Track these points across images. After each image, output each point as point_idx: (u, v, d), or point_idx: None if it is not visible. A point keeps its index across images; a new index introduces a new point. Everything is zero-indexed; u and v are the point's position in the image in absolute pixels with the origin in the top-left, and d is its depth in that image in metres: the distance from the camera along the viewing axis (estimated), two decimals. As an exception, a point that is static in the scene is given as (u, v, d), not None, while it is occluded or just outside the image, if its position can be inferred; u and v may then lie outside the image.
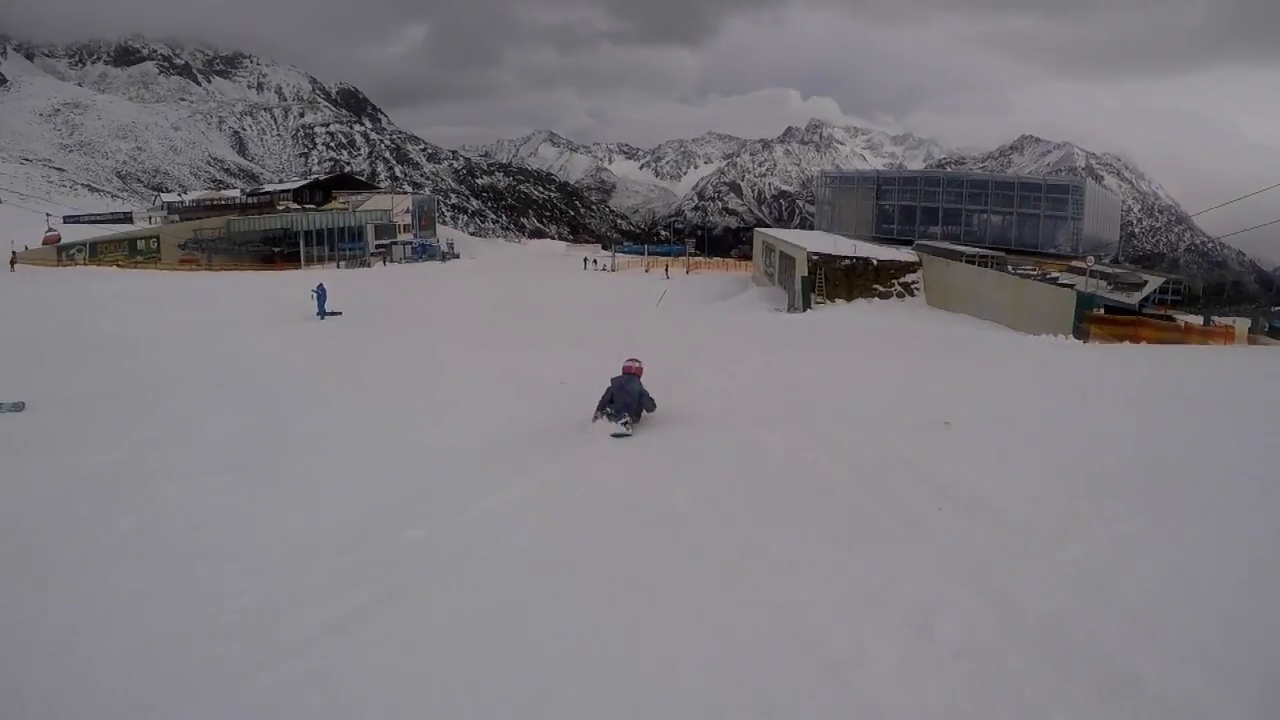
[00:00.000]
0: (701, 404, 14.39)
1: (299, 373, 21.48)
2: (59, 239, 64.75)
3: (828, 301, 39.14)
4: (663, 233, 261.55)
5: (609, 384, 12.56)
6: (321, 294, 35.90)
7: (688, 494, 9.02)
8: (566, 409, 13.99)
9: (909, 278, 40.35)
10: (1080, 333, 27.44)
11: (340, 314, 35.83)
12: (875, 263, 40.49)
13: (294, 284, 43.47)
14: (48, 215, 80.00)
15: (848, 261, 40.35)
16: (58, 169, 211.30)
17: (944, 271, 39.65)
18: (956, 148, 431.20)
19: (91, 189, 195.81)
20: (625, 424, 11.97)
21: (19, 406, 15.94)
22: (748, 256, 73.14)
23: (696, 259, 79.75)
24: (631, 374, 12.63)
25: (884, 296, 39.75)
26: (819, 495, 8.68)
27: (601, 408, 12.34)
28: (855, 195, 59.68)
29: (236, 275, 61.14)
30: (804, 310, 38.68)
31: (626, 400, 12.26)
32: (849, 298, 39.54)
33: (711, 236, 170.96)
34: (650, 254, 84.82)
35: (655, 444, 11.53)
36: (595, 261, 77.91)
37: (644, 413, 12.50)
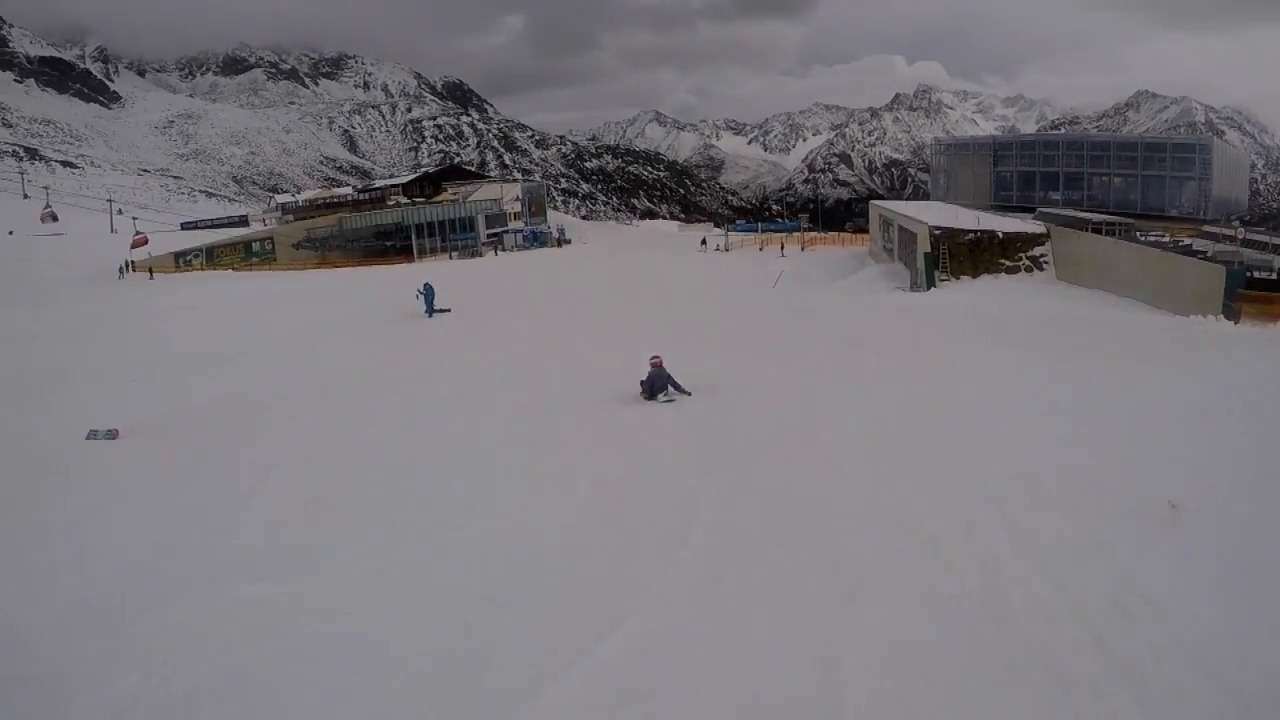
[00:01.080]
0: (842, 453, 12.36)
1: (392, 390, 20.75)
2: (146, 241, 65.69)
3: (952, 279, 37.09)
4: (774, 207, 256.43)
5: (649, 376, 17.13)
6: (428, 293, 35.21)
7: (856, 677, 6.37)
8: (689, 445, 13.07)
9: (1036, 250, 37.88)
10: (1231, 312, 25.14)
11: (449, 310, 35.06)
12: (1001, 235, 38.01)
13: (404, 279, 43.01)
14: (134, 219, 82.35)
15: (971, 235, 37.96)
16: (175, 177, 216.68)
17: (1075, 243, 36.91)
18: (1070, 107, 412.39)
19: (209, 194, 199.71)
20: (668, 399, 16.91)
21: (113, 434, 16.53)
22: (863, 230, 70.74)
23: (811, 234, 77.59)
24: (656, 367, 17.17)
25: (1011, 271, 37.37)
26: (1063, 693, 5.87)
27: (649, 393, 17.05)
28: (971, 162, 56.93)
29: (349, 271, 61.38)
30: (927, 289, 36.51)
31: (661, 383, 17.04)
32: (974, 274, 37.19)
33: (824, 209, 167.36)
34: (764, 231, 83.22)
35: (805, 546, 9.08)
36: (708, 242, 76.53)
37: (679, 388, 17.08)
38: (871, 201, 63.19)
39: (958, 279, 36.95)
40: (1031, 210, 46.60)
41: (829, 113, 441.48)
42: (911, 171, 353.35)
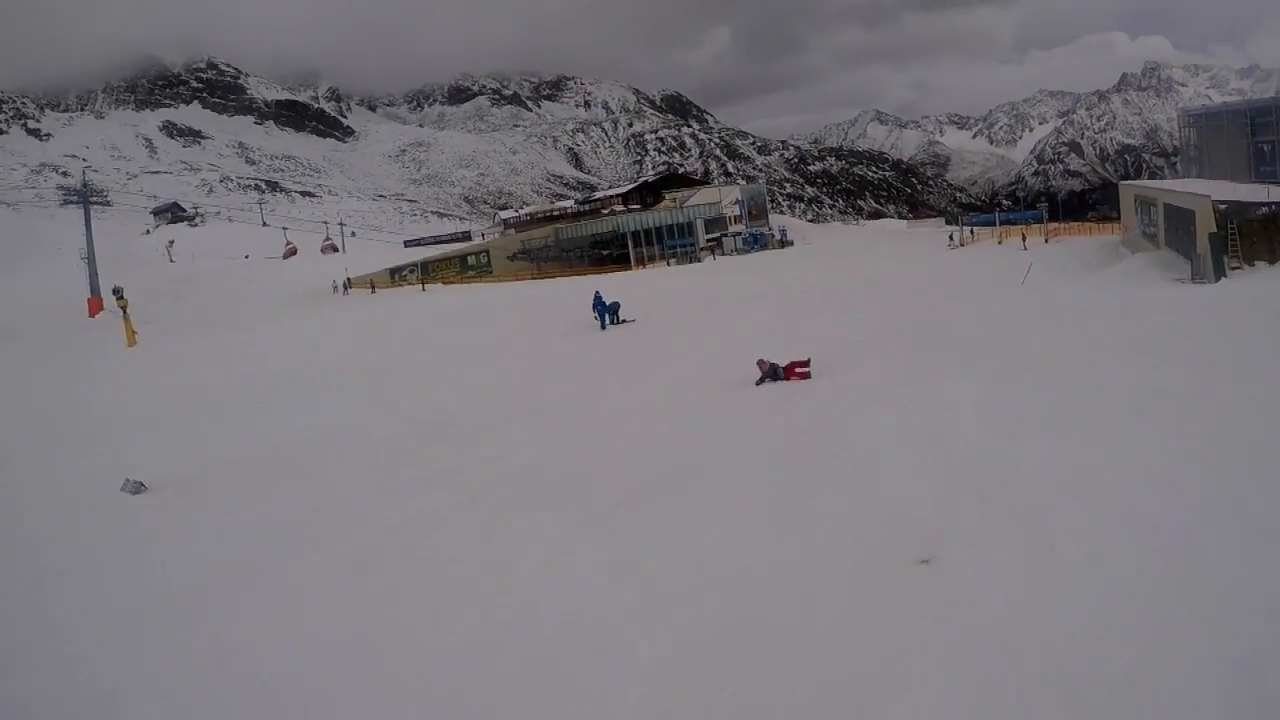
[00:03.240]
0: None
1: (502, 440, 16.10)
2: (295, 251, 73.23)
3: (1245, 265, 29.74)
4: (1004, 202, 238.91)
5: (766, 364, 17.87)
6: (600, 304, 31.59)
7: None
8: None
9: (1346, 237, 29.91)
10: None
11: (633, 321, 31.58)
12: (1303, 213, 30.38)
13: (614, 287, 39.64)
14: (285, 229, 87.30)
15: (1265, 209, 30.49)
16: (409, 201, 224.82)
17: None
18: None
19: (440, 215, 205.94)
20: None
21: (139, 488, 14.22)
22: (1108, 218, 62.46)
23: (1053, 225, 69.28)
24: (770, 367, 17.91)
25: (1314, 260, 29.68)
26: None
27: (769, 375, 17.78)
28: (1225, 133, 46.79)
29: (557, 281, 60.41)
30: (1216, 280, 28.64)
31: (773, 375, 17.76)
32: (1272, 259, 29.76)
33: (1057, 201, 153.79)
34: (1002, 222, 75.63)
35: None
36: (953, 238, 69.48)
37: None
38: (1122, 183, 54.99)
39: (1252, 265, 29.54)
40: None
41: (1054, 99, 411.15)
42: (1145, 157, 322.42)
